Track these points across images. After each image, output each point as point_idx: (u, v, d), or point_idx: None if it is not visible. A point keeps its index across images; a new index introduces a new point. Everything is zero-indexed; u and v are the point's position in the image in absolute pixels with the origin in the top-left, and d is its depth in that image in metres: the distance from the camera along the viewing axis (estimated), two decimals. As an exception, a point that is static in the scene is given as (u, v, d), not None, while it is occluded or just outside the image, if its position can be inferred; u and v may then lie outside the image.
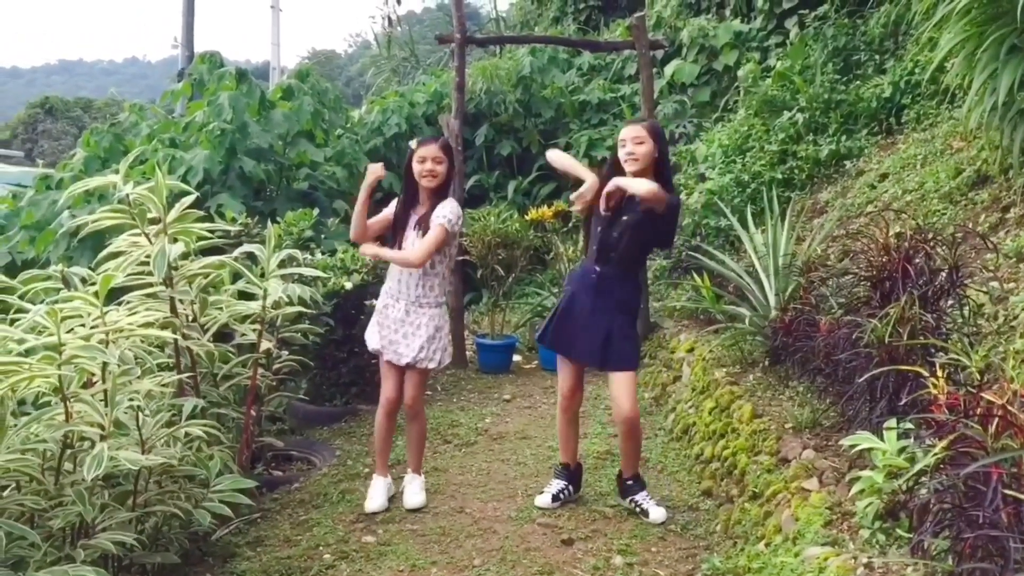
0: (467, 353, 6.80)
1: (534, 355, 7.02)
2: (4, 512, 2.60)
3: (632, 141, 3.63)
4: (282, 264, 3.86)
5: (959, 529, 2.01)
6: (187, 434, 3.17)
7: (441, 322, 3.90)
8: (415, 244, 3.79)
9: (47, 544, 2.66)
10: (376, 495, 3.94)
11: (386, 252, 3.86)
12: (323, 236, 6.46)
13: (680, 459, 4.53)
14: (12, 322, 2.89)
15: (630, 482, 3.85)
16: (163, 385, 3.16)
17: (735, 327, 4.69)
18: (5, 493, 2.75)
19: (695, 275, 5.27)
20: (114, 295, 3.14)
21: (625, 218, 3.64)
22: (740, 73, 8.89)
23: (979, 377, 2.57)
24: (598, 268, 3.71)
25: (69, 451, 2.81)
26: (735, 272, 4.94)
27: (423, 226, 3.79)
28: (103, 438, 2.75)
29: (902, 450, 2.40)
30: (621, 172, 3.66)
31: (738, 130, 7.70)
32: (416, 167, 3.81)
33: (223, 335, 3.90)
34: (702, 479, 4.11)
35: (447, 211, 3.78)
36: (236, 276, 3.90)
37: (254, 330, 3.87)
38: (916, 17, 5.70)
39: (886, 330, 2.93)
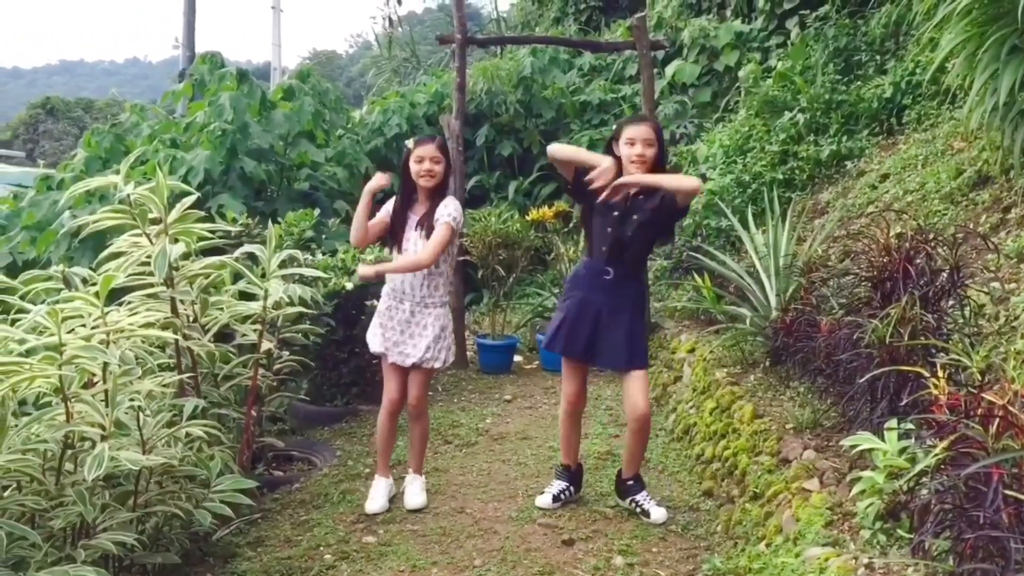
0: (468, 353, 6.80)
1: (535, 355, 7.02)
2: (5, 512, 2.60)
3: (643, 143, 3.58)
4: (283, 264, 3.86)
5: (960, 530, 2.01)
6: (188, 434, 3.17)
7: (446, 321, 3.91)
8: (417, 244, 3.79)
9: (48, 544, 2.67)
10: (377, 496, 3.94)
11: (389, 266, 3.81)
12: (324, 236, 6.47)
13: (681, 459, 4.53)
14: (13, 322, 2.89)
15: (631, 482, 3.84)
16: (164, 385, 3.16)
17: (736, 327, 4.69)
18: (6, 493, 2.75)
19: (696, 275, 5.27)
20: (115, 295, 3.15)
21: (635, 217, 3.64)
22: (741, 73, 8.89)
23: (980, 378, 2.56)
24: (611, 269, 3.68)
25: (70, 451, 2.81)
26: (736, 272, 4.94)
27: (425, 226, 3.79)
28: (104, 438, 2.75)
29: (903, 450, 2.40)
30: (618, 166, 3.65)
31: (739, 130, 7.69)
32: (414, 167, 3.80)
33: (224, 335, 3.90)
34: (703, 479, 4.11)
35: (451, 209, 3.79)
36: (237, 276, 3.90)
37: (255, 330, 3.87)
38: (917, 17, 5.70)
39: (887, 330, 2.93)
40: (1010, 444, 2.01)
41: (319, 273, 4.58)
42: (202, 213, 3.54)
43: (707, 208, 6.53)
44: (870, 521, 2.43)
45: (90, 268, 3.46)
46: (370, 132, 9.70)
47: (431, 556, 3.44)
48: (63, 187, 6.94)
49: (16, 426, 2.69)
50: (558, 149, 3.76)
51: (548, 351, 3.95)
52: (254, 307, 3.80)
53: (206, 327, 3.64)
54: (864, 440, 2.53)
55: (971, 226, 4.31)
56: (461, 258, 6.22)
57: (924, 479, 2.27)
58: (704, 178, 7.31)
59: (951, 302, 3.23)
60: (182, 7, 16.41)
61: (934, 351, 2.83)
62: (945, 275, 3.21)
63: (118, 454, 2.71)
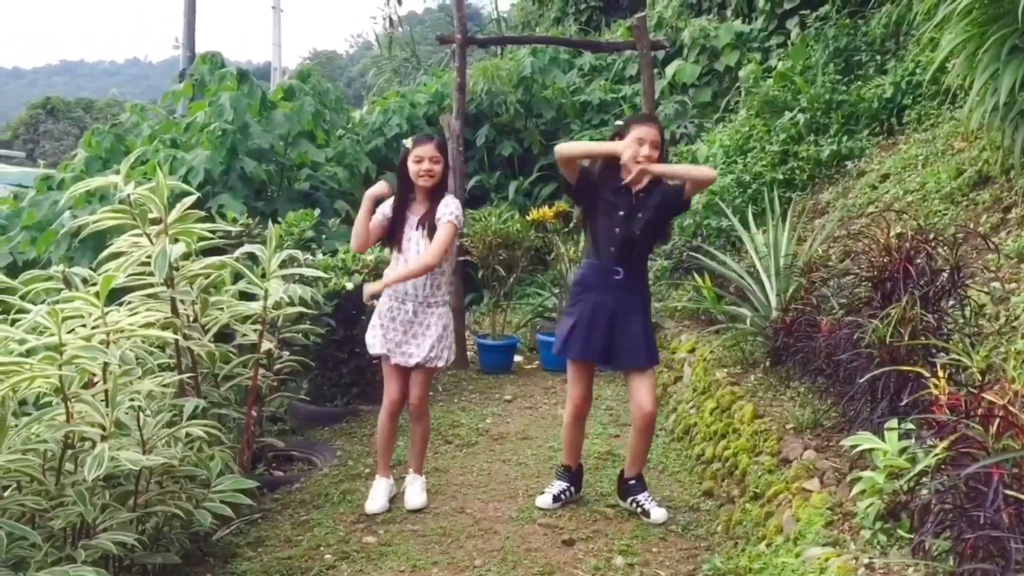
0: (468, 353, 6.80)
1: (535, 355, 7.02)
2: (5, 512, 2.60)
3: (651, 144, 3.56)
4: (283, 264, 3.86)
5: (960, 530, 2.01)
6: (188, 434, 3.17)
7: (447, 320, 3.93)
8: (419, 244, 3.79)
9: (48, 544, 2.67)
10: (377, 496, 3.94)
11: (397, 276, 3.76)
12: (324, 236, 6.47)
13: (681, 459, 4.53)
14: (13, 322, 2.89)
15: (633, 482, 3.84)
16: (164, 385, 3.16)
17: (736, 328, 4.69)
18: (6, 493, 2.75)
19: (696, 275, 5.27)
20: (115, 295, 3.15)
21: (640, 215, 3.64)
22: (741, 73, 8.89)
23: (980, 378, 2.56)
24: (620, 269, 3.67)
25: (70, 451, 2.81)
26: (736, 273, 4.94)
27: (426, 225, 3.78)
28: (104, 438, 2.75)
29: (903, 450, 2.40)
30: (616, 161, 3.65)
31: (739, 130, 7.69)
32: (413, 167, 3.79)
33: (224, 335, 3.90)
34: (703, 479, 4.11)
35: (453, 208, 3.80)
36: (237, 276, 3.90)
37: (255, 330, 3.87)
38: (917, 17, 5.70)
39: (887, 330, 2.93)
40: (1010, 444, 2.01)
41: (319, 273, 4.58)
42: (202, 213, 3.54)
43: (707, 208, 6.53)
44: (870, 521, 2.43)
45: (90, 268, 3.46)
46: (370, 132, 9.70)
47: (431, 556, 3.44)
48: (63, 187, 6.94)
49: (16, 426, 2.69)
50: (568, 147, 3.71)
51: (562, 356, 3.82)
52: (254, 307, 3.80)
53: (206, 327, 3.64)
54: (864, 440, 2.53)
55: (971, 226, 4.31)
56: (461, 258, 6.23)
57: (924, 479, 2.27)
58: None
59: (951, 302, 3.23)
60: (182, 7, 16.42)
61: (934, 351, 2.83)
62: (945, 275, 3.21)
63: (118, 454, 2.71)
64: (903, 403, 2.70)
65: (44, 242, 6.63)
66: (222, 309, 3.69)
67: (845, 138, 6.92)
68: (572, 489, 3.98)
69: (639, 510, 3.78)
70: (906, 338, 2.88)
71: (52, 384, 2.76)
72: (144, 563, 3.11)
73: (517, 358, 6.88)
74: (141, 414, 2.96)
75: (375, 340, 3.91)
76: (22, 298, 3.12)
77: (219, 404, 3.77)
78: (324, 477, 4.37)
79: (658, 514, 3.72)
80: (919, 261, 3.20)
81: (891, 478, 2.39)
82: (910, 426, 2.48)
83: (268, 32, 23.92)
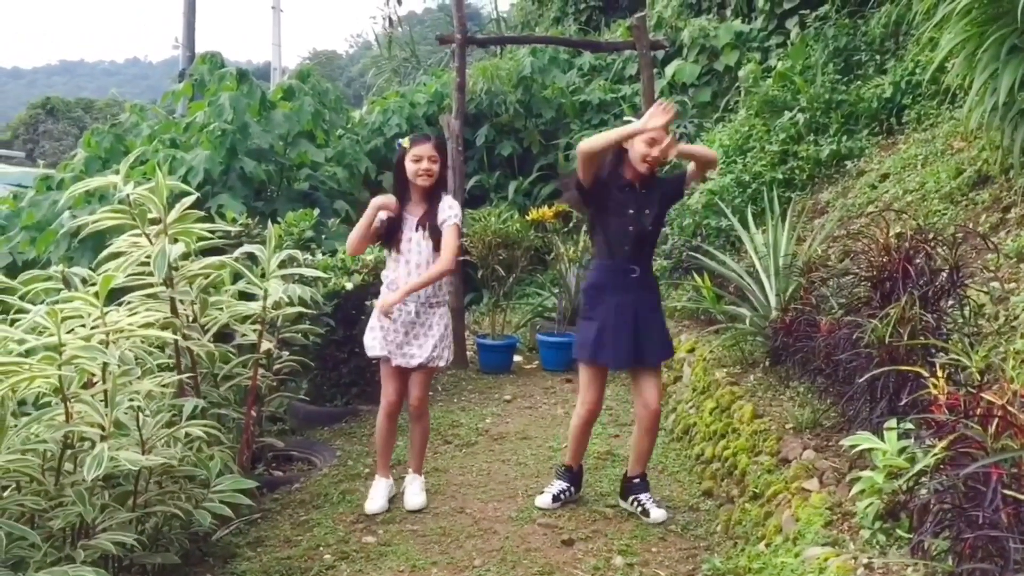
0: (468, 353, 6.80)
1: (535, 355, 7.02)
2: (4, 512, 2.60)
3: (663, 149, 3.56)
4: (282, 264, 3.86)
5: (959, 529, 2.01)
6: (187, 434, 3.17)
7: (448, 319, 3.95)
8: (420, 245, 3.78)
9: (47, 544, 2.67)
10: (377, 496, 3.94)
11: (415, 285, 3.72)
12: (324, 236, 6.47)
13: (680, 459, 4.53)
14: (12, 322, 2.89)
15: (637, 480, 3.84)
16: (163, 385, 3.17)
17: (736, 327, 4.69)
18: (5, 493, 2.75)
19: (696, 275, 5.27)
20: (114, 295, 3.15)
21: (647, 211, 3.65)
22: (741, 73, 8.88)
23: (979, 377, 2.57)
24: (636, 267, 3.67)
25: (69, 451, 2.81)
26: (736, 272, 4.94)
27: (427, 226, 3.78)
28: (103, 438, 2.75)
29: (902, 450, 2.40)
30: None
31: (739, 130, 7.69)
32: (412, 166, 3.77)
33: (223, 335, 3.90)
34: (702, 479, 4.11)
35: (456, 210, 3.82)
36: (237, 276, 3.90)
37: (254, 330, 3.87)
38: (917, 17, 5.70)
39: (886, 330, 2.93)
40: (1009, 444, 2.01)
41: (319, 273, 4.57)
42: (202, 213, 3.54)
43: (707, 208, 6.53)
44: (869, 521, 2.43)
45: (90, 268, 3.46)
46: (370, 132, 9.71)
47: (431, 556, 3.44)
48: (63, 187, 6.95)
49: (16, 426, 2.69)
50: (590, 142, 3.51)
51: (592, 363, 3.71)
52: (254, 307, 3.80)
53: (206, 327, 3.64)
54: (863, 440, 2.53)
55: (971, 226, 4.31)
56: (461, 258, 6.22)
57: (923, 479, 2.27)
58: (704, 178, 7.30)
59: (951, 302, 3.23)
60: (182, 7, 16.41)
61: (933, 351, 2.83)
62: (945, 275, 3.21)
63: (117, 454, 2.71)
64: (902, 403, 2.70)
65: (43, 242, 6.63)
66: (221, 309, 3.69)
67: (845, 138, 6.92)
68: (572, 489, 3.98)
69: (639, 509, 3.78)
70: (905, 338, 2.88)
71: (51, 384, 2.76)
72: (143, 563, 3.11)
73: (517, 358, 6.88)
74: (140, 414, 2.96)
75: (374, 342, 3.88)
76: (21, 298, 3.12)
77: (218, 404, 3.77)
78: (324, 477, 4.37)
79: (657, 514, 3.72)
80: (918, 261, 3.20)
81: (890, 478, 2.39)
82: (909, 426, 2.48)
83: (268, 32, 23.93)
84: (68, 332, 2.81)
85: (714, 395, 4.45)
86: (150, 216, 3.36)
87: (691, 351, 5.36)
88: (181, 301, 3.47)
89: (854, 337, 3.14)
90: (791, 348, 3.93)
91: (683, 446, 4.66)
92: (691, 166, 3.77)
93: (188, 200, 3.41)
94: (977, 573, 1.95)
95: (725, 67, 9.60)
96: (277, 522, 3.83)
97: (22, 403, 2.98)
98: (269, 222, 4.71)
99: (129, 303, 3.31)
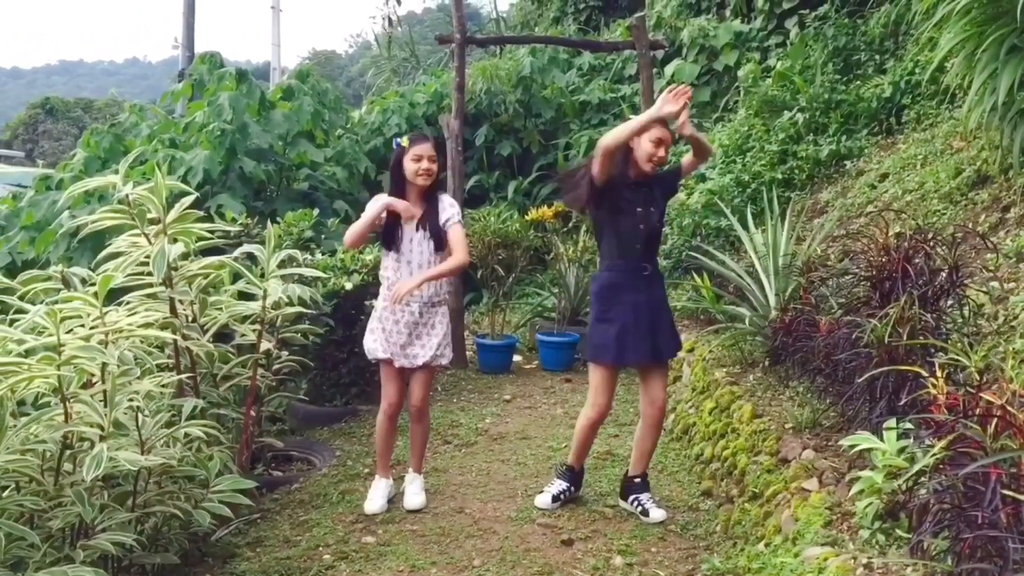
0: (467, 353, 6.80)
1: (534, 355, 7.02)
2: (4, 513, 2.60)
3: (666, 147, 3.62)
4: (282, 264, 3.86)
5: (958, 529, 2.01)
6: (187, 434, 3.16)
7: (447, 318, 3.96)
8: (422, 245, 3.79)
9: (46, 545, 2.67)
10: (376, 496, 3.94)
11: (432, 273, 3.72)
12: (323, 236, 6.47)
13: (680, 459, 4.53)
14: (12, 323, 2.89)
15: (638, 480, 3.84)
16: (163, 385, 3.17)
17: (735, 327, 4.69)
18: (5, 494, 2.74)
19: (695, 275, 5.27)
20: (114, 295, 3.15)
21: (652, 209, 3.67)
22: (740, 73, 8.89)
23: (978, 377, 2.56)
24: (647, 264, 3.70)
25: (68, 452, 2.81)
26: (735, 272, 4.94)
27: (427, 227, 3.78)
28: (102, 439, 2.75)
29: (902, 450, 2.40)
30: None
31: (738, 130, 7.70)
32: (412, 166, 3.76)
33: (223, 335, 3.90)
34: (702, 479, 4.11)
35: (456, 208, 3.88)
36: (236, 276, 3.90)
37: (254, 330, 3.87)
38: (916, 17, 5.71)
39: (886, 330, 2.93)
40: (1008, 444, 2.01)
41: (318, 273, 4.57)
42: (201, 213, 3.54)
43: (706, 208, 6.53)
44: (869, 521, 2.43)
45: (89, 268, 3.46)
46: (369, 132, 9.71)
47: (430, 556, 3.44)
48: (62, 187, 6.95)
49: (15, 426, 2.69)
50: (612, 136, 3.48)
51: (616, 364, 3.68)
52: (253, 307, 3.80)
53: (205, 327, 3.64)
54: (863, 440, 2.53)
55: (970, 225, 4.31)
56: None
57: (923, 479, 2.27)
58: (703, 178, 7.31)
59: (950, 302, 3.23)
60: (181, 7, 16.39)
61: (933, 351, 2.83)
62: (944, 275, 3.22)
63: (117, 454, 2.71)
64: (902, 403, 2.70)
65: (43, 242, 6.63)
66: (221, 309, 3.69)
67: (844, 138, 6.92)
68: (572, 489, 3.98)
69: (639, 509, 3.78)
70: (905, 338, 2.88)
71: (51, 384, 2.76)
72: (143, 563, 3.11)
73: (516, 358, 6.88)
74: (140, 414, 2.96)
75: (376, 345, 3.86)
76: (21, 298, 3.12)
77: (218, 404, 3.77)
78: (323, 477, 4.36)
79: (657, 514, 3.72)
80: (918, 261, 3.21)
81: (889, 478, 2.39)
82: (908, 426, 2.48)
83: (267, 32, 23.93)
84: (67, 332, 2.81)
85: (713, 395, 4.45)
86: (149, 216, 3.36)
87: (691, 351, 5.36)
88: (180, 301, 3.47)
89: (853, 337, 3.14)
90: (790, 348, 3.93)
91: (682, 446, 4.66)
92: (686, 159, 3.81)
93: (187, 200, 3.41)
94: (976, 573, 1.95)
95: (724, 67, 9.61)
96: (276, 522, 3.82)
97: (21, 403, 2.97)
98: (268, 222, 4.72)
99: (128, 303, 3.31)
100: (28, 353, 2.69)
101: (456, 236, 3.79)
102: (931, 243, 3.29)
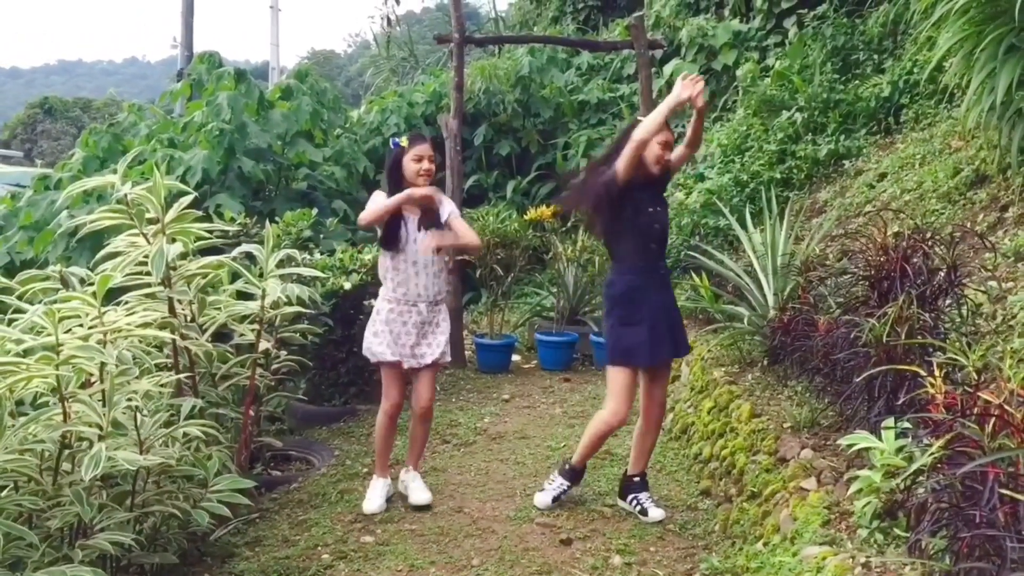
0: (466, 353, 6.80)
1: (533, 355, 7.02)
2: (2, 512, 2.60)
3: (670, 148, 3.66)
4: (281, 264, 3.86)
5: (956, 528, 2.02)
6: (185, 434, 3.16)
7: (448, 316, 4.00)
8: (421, 244, 3.78)
9: (45, 544, 2.66)
10: (375, 496, 3.94)
11: (450, 236, 3.82)
12: (322, 236, 6.47)
13: (679, 459, 4.53)
14: (10, 322, 2.89)
15: (637, 479, 3.84)
16: (161, 385, 3.16)
17: (734, 327, 4.69)
18: (3, 493, 2.74)
19: (693, 275, 5.27)
20: (112, 295, 3.14)
21: (660, 208, 3.70)
22: (739, 73, 8.88)
23: (976, 376, 2.57)
24: (662, 264, 3.75)
25: (67, 451, 2.81)
26: (734, 272, 4.94)
27: (428, 225, 3.78)
28: (101, 438, 2.75)
29: (900, 449, 2.40)
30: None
31: (737, 130, 7.70)
32: (412, 166, 3.76)
33: (221, 335, 3.89)
34: (700, 479, 4.11)
35: (453, 204, 3.95)
36: (235, 276, 3.90)
37: (253, 330, 3.87)
38: (915, 16, 5.71)
39: (884, 329, 2.93)
40: (1006, 443, 2.02)
41: (317, 273, 4.57)
42: (200, 213, 3.54)
43: (705, 207, 6.54)
44: (867, 520, 2.43)
45: (87, 268, 3.46)
46: (368, 132, 9.71)
47: (429, 556, 3.44)
48: (61, 187, 6.95)
49: (13, 426, 2.69)
50: (647, 126, 3.49)
51: (651, 364, 3.67)
52: (252, 307, 3.80)
53: (204, 327, 3.64)
54: (861, 439, 2.53)
55: (968, 225, 4.31)
56: (459, 257, 6.22)
57: (921, 478, 2.27)
58: (702, 177, 7.32)
59: (948, 301, 3.24)
60: (180, 7, 16.40)
61: (931, 350, 2.83)
62: (942, 274, 3.22)
63: (115, 454, 2.71)
64: (900, 402, 2.70)
65: (41, 242, 6.63)
66: (220, 309, 3.69)
67: (842, 137, 6.92)
68: (570, 487, 3.98)
69: (638, 508, 3.78)
70: (903, 337, 2.89)
71: (49, 384, 2.76)
72: (141, 563, 3.11)
73: (515, 358, 6.89)
74: (138, 414, 2.96)
75: (383, 348, 3.82)
76: (19, 298, 3.12)
77: (217, 404, 3.77)
78: (322, 477, 4.36)
79: (656, 513, 3.72)
80: (916, 260, 3.21)
81: (888, 477, 2.40)
82: (907, 425, 2.48)
83: (266, 32, 23.92)
84: (66, 332, 2.81)
85: (712, 394, 4.45)
86: (148, 216, 3.36)
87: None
88: (179, 301, 3.47)
89: (852, 336, 3.14)
90: (789, 347, 3.93)
91: (681, 445, 4.66)
92: (678, 152, 3.73)
93: (186, 200, 3.41)
94: (974, 572, 1.95)
95: (723, 66, 9.60)
96: (275, 522, 3.82)
97: (20, 403, 2.97)
98: (267, 222, 4.72)
99: (127, 303, 3.31)
100: (27, 353, 2.69)
101: (462, 225, 3.89)
102: (929, 242, 3.29)
